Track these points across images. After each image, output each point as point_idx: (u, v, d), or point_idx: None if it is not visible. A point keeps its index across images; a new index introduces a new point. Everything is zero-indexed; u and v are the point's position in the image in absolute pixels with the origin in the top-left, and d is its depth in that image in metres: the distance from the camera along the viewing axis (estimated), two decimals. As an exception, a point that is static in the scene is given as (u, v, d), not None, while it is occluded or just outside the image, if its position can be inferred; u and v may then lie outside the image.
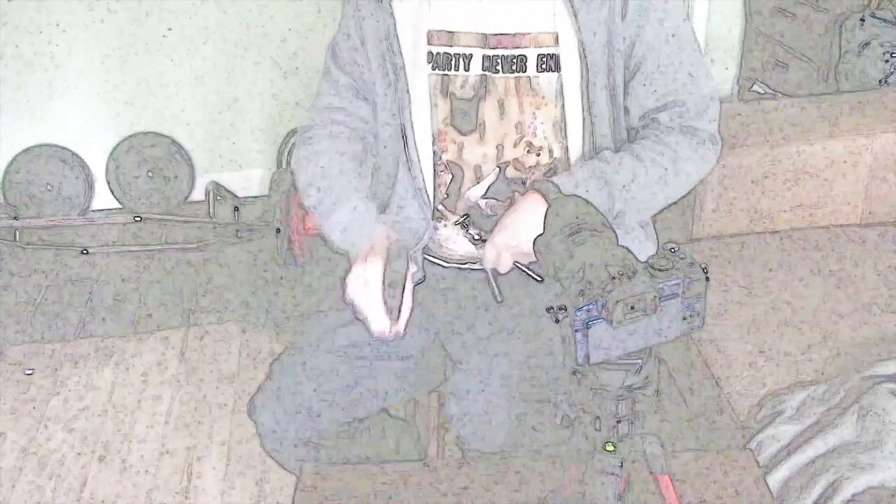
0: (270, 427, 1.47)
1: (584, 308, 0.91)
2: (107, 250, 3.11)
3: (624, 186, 1.36)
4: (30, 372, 2.56)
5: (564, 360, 0.95)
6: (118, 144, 3.29)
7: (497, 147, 1.42)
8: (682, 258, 0.95)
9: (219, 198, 3.21)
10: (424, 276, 1.51)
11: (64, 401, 2.46)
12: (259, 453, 2.00)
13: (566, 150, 1.41)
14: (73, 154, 3.27)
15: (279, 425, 1.46)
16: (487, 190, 1.44)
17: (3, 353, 2.65)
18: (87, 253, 3.08)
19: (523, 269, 1.35)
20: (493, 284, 1.40)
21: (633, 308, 0.90)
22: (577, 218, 1.02)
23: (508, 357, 1.40)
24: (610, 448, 1.00)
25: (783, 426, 1.52)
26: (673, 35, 1.37)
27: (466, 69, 1.39)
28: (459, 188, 1.44)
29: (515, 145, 1.41)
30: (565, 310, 0.93)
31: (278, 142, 3.35)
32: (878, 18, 2.76)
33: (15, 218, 3.17)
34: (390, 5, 1.39)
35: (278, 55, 3.24)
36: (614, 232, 1.02)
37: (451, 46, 1.39)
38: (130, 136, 3.29)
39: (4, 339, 2.70)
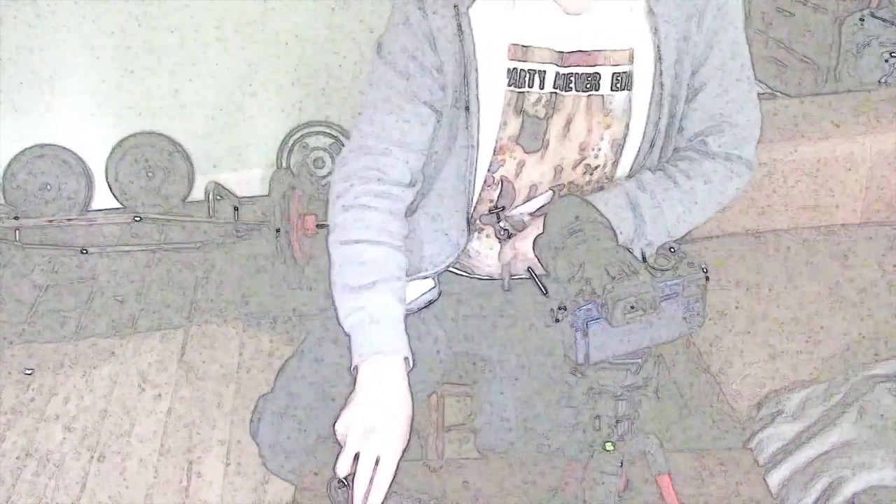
0: (272, 450, 1.44)
1: (584, 307, 0.92)
2: (106, 250, 3.12)
3: (656, 215, 1.34)
4: (29, 372, 2.56)
5: (565, 359, 0.95)
6: (118, 144, 3.29)
7: (556, 168, 1.38)
8: (681, 258, 0.95)
9: (218, 197, 3.21)
10: (440, 294, 1.48)
11: (63, 400, 2.46)
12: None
13: (616, 165, 1.39)
14: (73, 154, 3.27)
15: (282, 449, 1.43)
16: (538, 210, 1.41)
17: (3, 353, 2.65)
18: (87, 253, 3.09)
19: (535, 278, 1.34)
20: (506, 276, 1.39)
21: (632, 308, 0.90)
22: (576, 218, 1.02)
23: (537, 361, 1.40)
24: (610, 447, 1.00)
25: (783, 425, 1.52)
26: (737, 59, 1.35)
27: (541, 86, 1.34)
28: (509, 205, 1.41)
29: (574, 167, 1.38)
30: (565, 309, 0.93)
31: (278, 141, 3.36)
32: (878, 18, 2.76)
33: (15, 217, 3.17)
34: (468, 15, 1.31)
35: (278, 55, 3.25)
36: (614, 232, 1.02)
37: (525, 62, 1.33)
38: (130, 136, 3.29)
39: (4, 338, 2.71)
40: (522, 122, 1.36)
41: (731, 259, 1.95)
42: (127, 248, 3.13)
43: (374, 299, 1.27)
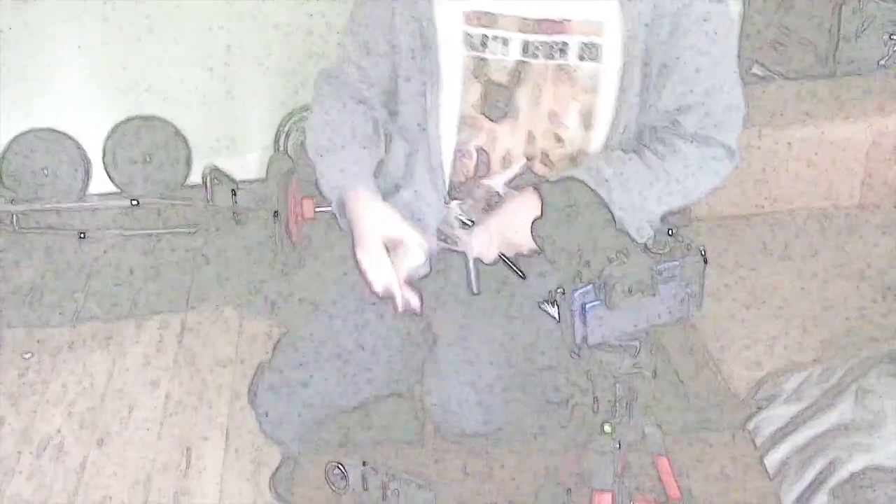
0: (269, 414, 1.48)
1: (583, 290, 0.92)
2: (104, 234, 3.11)
3: (625, 193, 1.32)
4: (28, 356, 2.57)
5: (563, 341, 0.95)
6: (115, 128, 3.27)
7: (528, 135, 1.39)
8: (679, 240, 0.95)
9: (216, 181, 3.20)
10: (431, 270, 1.49)
11: (63, 385, 2.46)
12: (258, 436, 2.00)
13: (588, 142, 1.39)
14: (70, 138, 3.26)
15: (278, 413, 1.47)
16: (512, 180, 1.41)
17: (2, 337, 2.65)
18: (85, 237, 3.08)
19: (508, 262, 1.33)
20: (473, 274, 1.37)
21: (630, 290, 0.90)
22: (575, 202, 1.02)
23: (488, 341, 1.40)
24: (608, 430, 1.01)
25: (781, 407, 1.52)
26: (712, 36, 1.33)
27: (504, 53, 1.35)
28: (485, 174, 1.42)
29: (546, 136, 1.38)
30: (564, 292, 0.93)
31: (276, 125, 3.34)
32: (878, 0, 2.75)
33: (12, 202, 3.16)
34: None
35: (277, 39, 3.23)
36: (613, 215, 1.02)
37: (489, 28, 1.34)
38: (127, 120, 3.27)
39: (3, 323, 2.70)
40: (484, 89, 1.36)
41: (730, 241, 1.95)
42: (125, 233, 3.13)
43: (347, 157, 1.42)
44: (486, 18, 1.34)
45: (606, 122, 1.36)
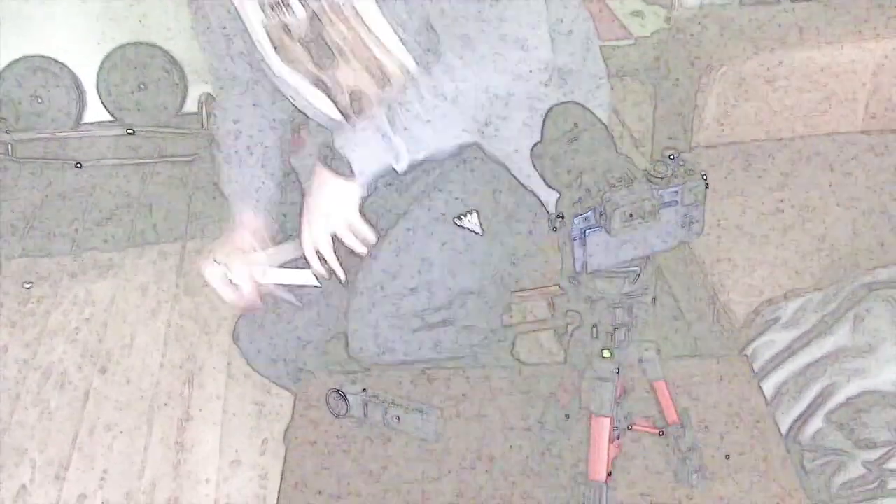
0: (253, 352, 1.50)
1: (582, 216, 0.91)
2: (100, 163, 3.09)
3: (405, 129, 1.30)
4: (29, 285, 2.57)
5: (562, 267, 0.95)
6: (108, 56, 3.23)
7: (367, 69, 1.37)
8: (681, 165, 0.94)
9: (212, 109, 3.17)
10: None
11: (64, 314, 2.48)
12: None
13: (402, 64, 1.35)
14: (63, 66, 3.21)
15: (261, 350, 1.49)
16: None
17: (1, 267, 2.65)
18: (81, 167, 3.06)
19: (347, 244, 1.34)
20: (334, 271, 1.37)
21: (631, 216, 0.89)
22: (575, 125, 1.01)
23: (402, 272, 1.38)
24: (607, 355, 1.01)
25: (779, 333, 1.53)
26: None
27: (292, 14, 1.34)
28: (369, 110, 1.39)
29: (375, 67, 1.37)
30: (563, 218, 0.92)
31: (271, 52, 3.30)
32: (885, -81, 2.68)
33: (7, 131, 3.14)
34: None
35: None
36: (613, 139, 1.01)
37: None
38: (121, 47, 3.23)
39: (2, 252, 2.71)
40: (303, 47, 1.37)
41: (730, 167, 1.94)
42: (121, 162, 3.11)
43: (238, 172, 1.60)
44: None
45: (397, 47, 1.33)
